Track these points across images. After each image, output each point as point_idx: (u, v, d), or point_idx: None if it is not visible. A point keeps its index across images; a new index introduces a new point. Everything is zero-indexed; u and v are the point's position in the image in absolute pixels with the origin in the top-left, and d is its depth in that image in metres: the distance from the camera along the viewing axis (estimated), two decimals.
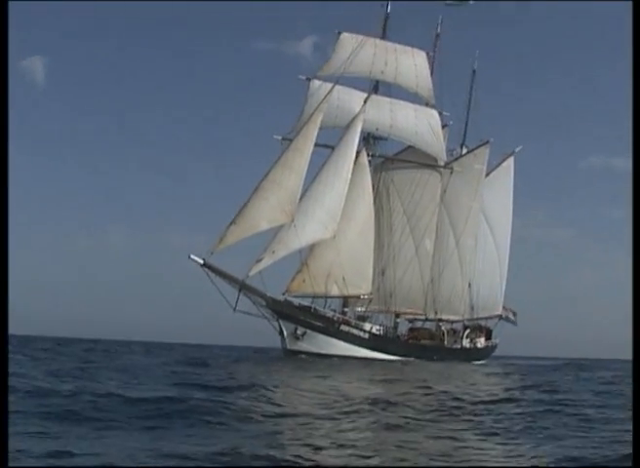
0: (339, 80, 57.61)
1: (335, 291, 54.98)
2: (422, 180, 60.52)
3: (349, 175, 54.65)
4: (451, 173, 62.03)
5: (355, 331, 55.50)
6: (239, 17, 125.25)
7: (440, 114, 61.06)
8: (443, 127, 61.49)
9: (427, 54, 61.18)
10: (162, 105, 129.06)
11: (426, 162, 60.66)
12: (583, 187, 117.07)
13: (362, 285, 55.97)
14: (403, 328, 63.18)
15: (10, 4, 19.15)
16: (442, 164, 61.37)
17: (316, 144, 55.89)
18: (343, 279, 54.59)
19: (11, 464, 9.52)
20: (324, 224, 53.09)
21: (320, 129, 56.30)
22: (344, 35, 58.76)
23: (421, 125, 59.63)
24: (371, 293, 57.01)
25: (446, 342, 63.84)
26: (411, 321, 64.17)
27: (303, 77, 57.87)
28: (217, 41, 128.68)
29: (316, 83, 57.39)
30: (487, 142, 65.35)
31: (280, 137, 56.07)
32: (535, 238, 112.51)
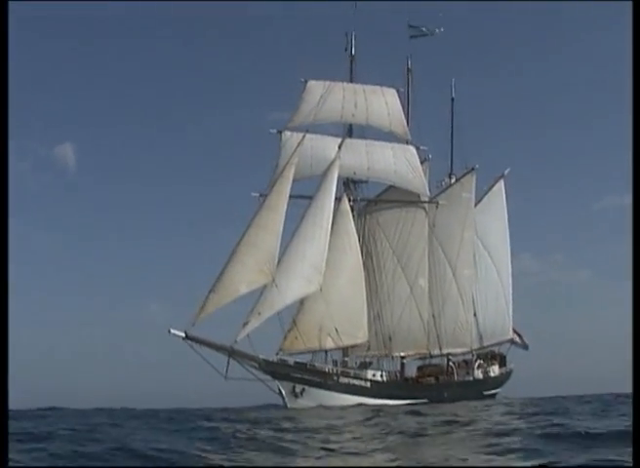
0: (309, 129, 56.09)
1: (329, 343, 53.08)
2: (408, 219, 58.56)
3: (329, 224, 52.84)
4: (436, 206, 59.86)
5: (356, 382, 53.46)
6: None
7: (418, 149, 59.05)
8: (422, 161, 59.46)
9: (398, 90, 59.33)
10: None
11: (409, 199, 58.59)
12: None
13: (357, 333, 54.04)
14: (412, 368, 61.11)
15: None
16: (426, 199, 59.26)
17: (294, 196, 54.34)
18: (336, 330, 52.70)
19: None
20: (307, 278, 51.27)
21: (296, 180, 54.73)
22: (311, 83, 57.22)
23: (400, 163, 57.78)
24: (368, 341, 54.87)
25: (457, 376, 61.49)
26: (422, 359, 61.97)
27: (274, 130, 56.11)
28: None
29: (287, 134, 55.86)
30: (472, 169, 63.29)
31: (258, 194, 54.28)
32: (555, 281, 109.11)
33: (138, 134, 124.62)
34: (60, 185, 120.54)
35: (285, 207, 51.11)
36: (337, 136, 57.41)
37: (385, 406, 51.67)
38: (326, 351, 55.82)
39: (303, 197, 54.62)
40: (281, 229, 50.55)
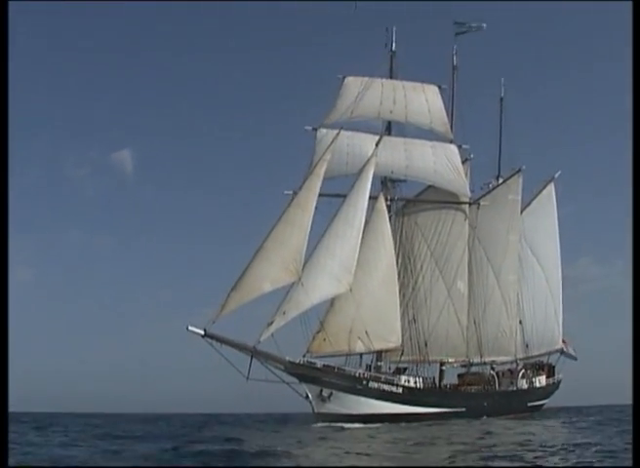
0: (345, 126, 53.95)
1: (359, 347, 50.43)
2: (447, 220, 55.67)
3: (362, 223, 50.22)
4: (478, 207, 56.78)
5: (386, 387, 50.60)
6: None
7: (459, 148, 56.11)
8: (464, 161, 56.50)
9: (440, 87, 56.47)
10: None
11: (449, 200, 55.68)
12: None
13: (390, 337, 51.26)
14: (452, 376, 58.08)
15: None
16: (466, 200, 56.24)
17: (328, 195, 52.13)
18: (367, 333, 50.00)
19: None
20: (337, 278, 48.71)
21: (331, 178, 52.54)
22: (349, 79, 54.93)
23: (440, 162, 54.95)
24: (402, 346, 52.04)
25: (499, 385, 58.21)
26: (464, 367, 58.86)
27: (309, 128, 53.83)
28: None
29: (322, 131, 53.55)
30: (519, 171, 60.16)
31: (291, 192, 51.93)
32: (615, 286, 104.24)
33: (192, 140, 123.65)
34: (118, 191, 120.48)
35: (314, 204, 48.71)
36: (375, 133, 54.68)
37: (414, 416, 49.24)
38: (360, 356, 53.31)
39: (338, 196, 51.99)
40: (309, 226, 48.11)
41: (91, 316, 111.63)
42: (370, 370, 52.31)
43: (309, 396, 48.56)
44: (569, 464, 15.76)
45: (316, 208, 50.38)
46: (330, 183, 52.84)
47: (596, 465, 13.78)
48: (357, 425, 45.25)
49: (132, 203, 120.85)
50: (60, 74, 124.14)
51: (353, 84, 54.64)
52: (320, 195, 51.61)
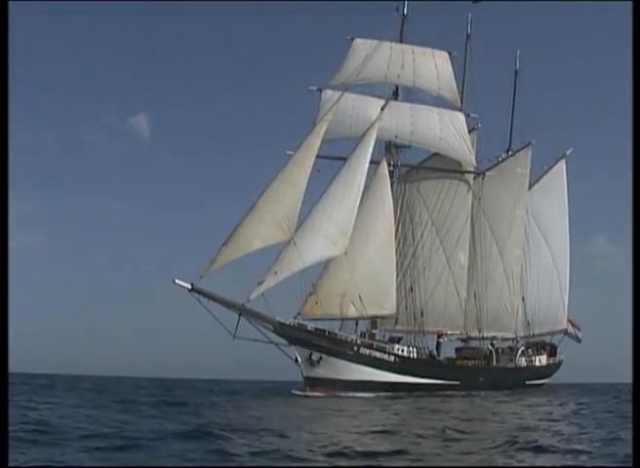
0: (351, 88, 52.47)
1: (352, 312, 48.96)
2: (451, 189, 54.12)
3: (361, 186, 48.80)
4: (482, 178, 55.15)
5: (378, 354, 49.19)
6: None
7: (467, 116, 54.44)
8: (471, 130, 54.81)
9: (450, 54, 54.73)
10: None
11: (454, 168, 54.04)
12: None
13: (384, 304, 49.72)
14: (450, 350, 56.65)
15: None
16: (471, 169, 54.59)
17: (330, 157, 50.85)
18: (360, 298, 48.52)
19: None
20: (332, 240, 47.33)
21: (334, 141, 51.25)
22: (357, 41, 53.38)
23: (446, 129, 53.33)
24: (396, 314, 50.55)
25: (497, 362, 56.66)
26: (464, 341, 57.38)
27: (314, 88, 52.33)
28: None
29: (328, 93, 52.00)
30: (528, 144, 58.50)
31: (292, 152, 50.54)
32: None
33: (210, 106, 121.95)
34: (134, 156, 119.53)
35: (311, 162, 47.26)
36: (381, 97, 53.09)
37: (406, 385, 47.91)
38: (356, 323, 52.00)
39: (341, 159, 50.51)
40: (304, 185, 46.71)
41: (103, 280, 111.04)
42: (364, 338, 50.88)
43: (299, 359, 47.30)
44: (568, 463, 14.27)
45: (318, 170, 49.18)
46: (332, 146, 51.84)
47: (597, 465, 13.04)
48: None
49: (147, 168, 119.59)
50: (77, 37, 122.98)
51: (362, 46, 53.11)
52: (322, 158, 50.56)
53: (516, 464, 13.57)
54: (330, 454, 14.57)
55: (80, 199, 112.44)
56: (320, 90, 52.22)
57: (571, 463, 13.19)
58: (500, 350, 58.48)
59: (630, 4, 20.57)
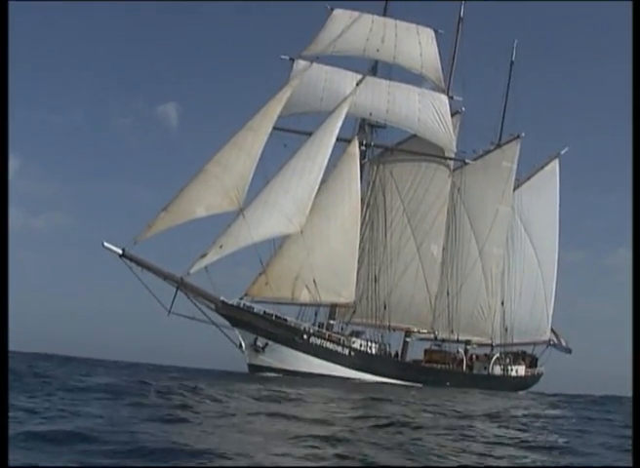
0: (325, 60, 48.10)
1: (305, 296, 43.75)
2: (427, 174, 48.88)
3: (325, 162, 44.07)
4: (463, 166, 49.94)
5: (331, 346, 43.96)
6: None
7: (451, 99, 49.26)
8: (454, 114, 49.59)
9: (436, 32, 49.71)
10: None
11: (433, 153, 48.77)
12: None
13: (341, 291, 44.53)
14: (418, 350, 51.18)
15: None
16: (451, 155, 49.30)
17: (298, 132, 46.24)
18: (315, 282, 43.26)
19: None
20: (287, 216, 42.38)
21: (303, 114, 46.64)
22: (337, 11, 48.77)
23: (426, 110, 48.29)
24: (354, 303, 45.22)
25: (469, 368, 51.07)
26: (437, 344, 51.82)
27: (286, 57, 47.45)
28: None
29: (301, 63, 47.24)
30: (517, 137, 53.21)
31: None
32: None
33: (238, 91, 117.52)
34: (162, 143, 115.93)
35: (268, 129, 42.54)
36: (359, 72, 48.13)
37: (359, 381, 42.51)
38: (315, 312, 46.92)
39: (309, 133, 45.45)
40: (259, 152, 41.98)
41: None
42: (321, 328, 45.64)
43: (242, 344, 42.17)
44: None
45: (285, 146, 44.71)
46: (300, 120, 46.99)
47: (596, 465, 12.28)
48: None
49: (174, 157, 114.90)
50: (107, 22, 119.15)
51: (341, 17, 48.45)
52: (289, 131, 46.30)
53: (516, 464, 12.40)
54: None
55: (107, 182, 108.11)
56: (292, 59, 47.38)
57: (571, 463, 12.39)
58: (473, 356, 52.93)
59: (630, 4, 20.42)
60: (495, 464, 11.83)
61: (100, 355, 60.44)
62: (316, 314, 47.06)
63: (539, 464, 12.73)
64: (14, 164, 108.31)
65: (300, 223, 42.72)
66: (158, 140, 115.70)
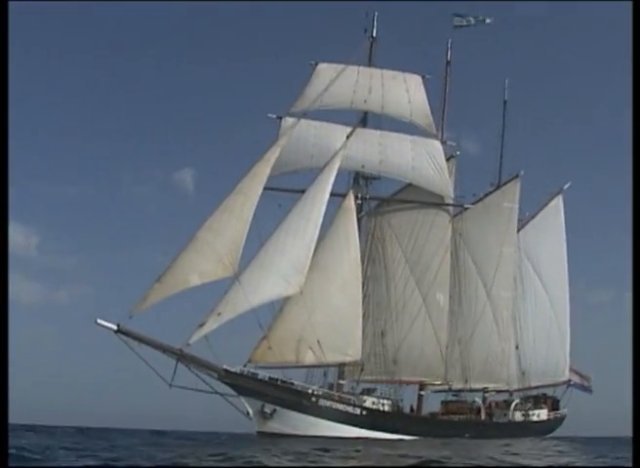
0: (315, 116, 47.17)
1: (310, 358, 42.39)
2: (426, 222, 47.57)
3: (320, 219, 42.96)
4: (463, 211, 48.70)
5: (341, 407, 42.36)
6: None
7: (444, 144, 48.14)
8: (449, 158, 48.43)
9: (424, 78, 48.74)
10: None
11: (430, 200, 47.53)
12: None
13: (347, 350, 43.12)
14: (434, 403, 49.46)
15: None
16: (449, 201, 48.04)
17: (290, 190, 45.12)
18: (319, 343, 41.87)
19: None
20: (285, 278, 41.17)
21: (294, 172, 45.75)
22: (321, 66, 47.93)
23: (419, 158, 47.19)
24: (361, 360, 43.72)
25: (489, 416, 49.31)
26: (454, 394, 50.05)
27: (273, 115, 46.55)
28: None
29: (289, 121, 46.27)
30: (516, 176, 52.01)
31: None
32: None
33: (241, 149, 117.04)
34: (180, 208, 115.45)
35: (259, 191, 41.46)
36: (349, 125, 47.17)
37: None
38: (324, 373, 45.30)
39: (302, 192, 44.32)
40: (250, 215, 40.82)
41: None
42: (333, 390, 44.08)
43: (250, 412, 40.67)
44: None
45: (279, 205, 43.53)
46: (293, 178, 46.13)
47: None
48: None
49: (192, 220, 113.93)
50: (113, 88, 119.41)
51: (326, 71, 47.63)
52: (282, 191, 45.03)
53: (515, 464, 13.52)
54: None
55: (126, 250, 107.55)
56: (280, 118, 46.46)
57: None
58: (492, 404, 51.14)
59: (630, 4, 21.99)
60: None
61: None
62: (325, 375, 45.59)
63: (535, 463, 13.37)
64: (34, 240, 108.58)
65: (298, 284, 41.47)
66: (176, 206, 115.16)
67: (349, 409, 42.71)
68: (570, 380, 54.44)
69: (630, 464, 10.01)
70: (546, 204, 54.62)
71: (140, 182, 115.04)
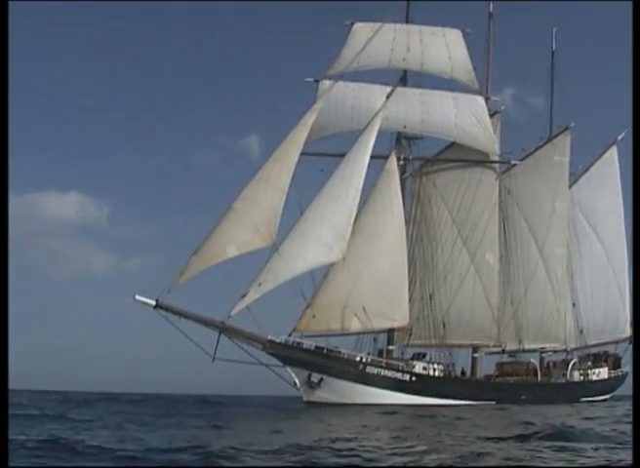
0: (352, 76, 45.73)
1: (355, 325, 41.36)
2: (472, 181, 45.85)
3: (361, 183, 41.66)
4: (510, 168, 46.81)
5: (389, 373, 41.29)
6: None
7: (487, 100, 46.22)
8: (493, 114, 46.50)
9: (463, 32, 46.76)
10: None
11: (475, 158, 45.76)
12: None
13: (394, 315, 41.99)
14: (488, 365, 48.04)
15: None
16: (495, 158, 46.17)
17: (331, 155, 43.66)
18: (364, 310, 40.74)
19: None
20: (327, 245, 40.12)
21: (334, 136, 44.34)
22: (357, 25, 46.50)
23: (462, 115, 45.46)
24: (409, 325, 42.54)
25: (547, 377, 47.73)
26: (511, 355, 48.55)
27: (311, 79, 45.17)
28: None
29: (326, 84, 44.81)
30: (566, 129, 49.69)
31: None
32: None
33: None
34: (247, 175, 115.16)
35: (296, 157, 40.28)
36: (388, 85, 45.54)
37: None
38: (374, 339, 44.20)
39: (343, 155, 42.95)
40: (287, 183, 39.76)
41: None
42: (383, 356, 43.08)
43: (296, 382, 39.92)
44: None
45: (322, 170, 42.16)
46: (333, 142, 44.87)
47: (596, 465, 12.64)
48: None
49: None
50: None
51: (362, 31, 46.06)
52: (322, 155, 43.92)
53: (514, 464, 13.06)
54: None
55: (196, 219, 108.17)
56: (317, 81, 45.10)
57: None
58: (551, 364, 49.50)
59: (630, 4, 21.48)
60: None
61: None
62: (375, 340, 44.54)
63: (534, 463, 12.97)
64: (105, 211, 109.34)
65: (341, 250, 40.36)
66: (243, 173, 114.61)
67: (398, 375, 41.66)
68: (632, 336, 52.39)
69: None
70: (600, 156, 52.32)
71: (207, 151, 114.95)
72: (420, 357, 44.39)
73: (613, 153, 52.35)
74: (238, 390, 54.53)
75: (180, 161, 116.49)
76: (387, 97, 44.56)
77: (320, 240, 40.10)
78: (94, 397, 49.77)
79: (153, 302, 37.39)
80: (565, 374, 48.74)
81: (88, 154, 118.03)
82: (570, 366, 48.62)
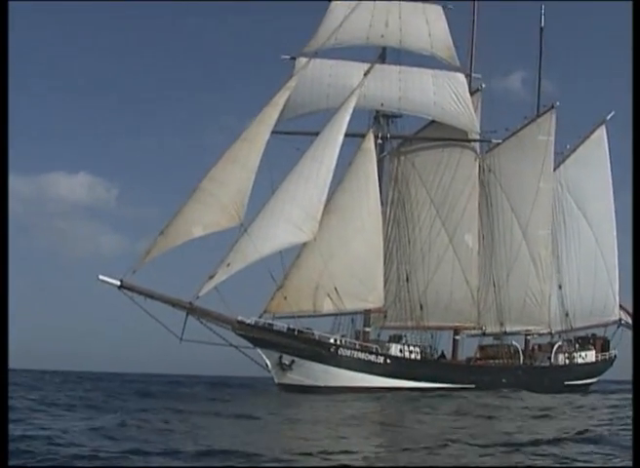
0: (329, 53, 44.38)
1: (328, 307, 40.33)
2: (451, 160, 44.59)
3: (334, 161, 40.61)
4: (494, 145, 45.62)
5: (362, 356, 40.23)
6: None
7: (468, 77, 44.87)
8: (474, 92, 45.16)
9: (444, 8, 45.32)
10: None
11: (455, 137, 44.45)
12: None
13: (367, 296, 40.85)
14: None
15: None
16: (476, 137, 44.84)
17: (306, 133, 42.64)
18: (336, 290, 39.67)
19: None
20: (297, 225, 39.12)
21: (310, 114, 43.28)
22: (335, 2, 44.83)
23: (442, 93, 44.13)
24: (385, 307, 41.43)
25: (531, 360, 46.58)
26: (497, 338, 47.34)
27: (287, 57, 43.99)
28: None
29: (302, 61, 43.59)
30: (552, 107, 48.21)
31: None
32: None
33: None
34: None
35: (266, 137, 39.35)
36: (366, 62, 44.29)
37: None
38: (352, 320, 43.15)
39: (317, 134, 41.83)
40: (256, 163, 38.83)
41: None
42: (358, 338, 42.01)
43: (268, 364, 38.95)
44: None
45: (297, 149, 41.04)
46: (310, 121, 43.75)
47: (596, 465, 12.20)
48: None
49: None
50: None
51: (340, 7, 44.78)
52: (297, 134, 42.72)
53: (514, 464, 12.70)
54: None
55: None
56: (294, 58, 43.88)
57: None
58: (536, 347, 48.28)
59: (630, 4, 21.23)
60: None
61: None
62: (352, 322, 43.50)
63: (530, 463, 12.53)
64: (114, 192, 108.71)
65: (311, 230, 39.34)
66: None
67: (371, 357, 40.63)
68: (620, 319, 51.05)
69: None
70: (588, 136, 50.81)
71: (216, 131, 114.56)
72: (397, 339, 43.34)
73: (602, 133, 50.85)
74: (213, 371, 53.78)
75: (190, 141, 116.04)
76: (365, 75, 43.40)
77: (290, 220, 39.09)
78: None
79: (118, 282, 36.55)
80: (550, 358, 47.51)
81: (97, 135, 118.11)
82: (554, 349, 47.39)
